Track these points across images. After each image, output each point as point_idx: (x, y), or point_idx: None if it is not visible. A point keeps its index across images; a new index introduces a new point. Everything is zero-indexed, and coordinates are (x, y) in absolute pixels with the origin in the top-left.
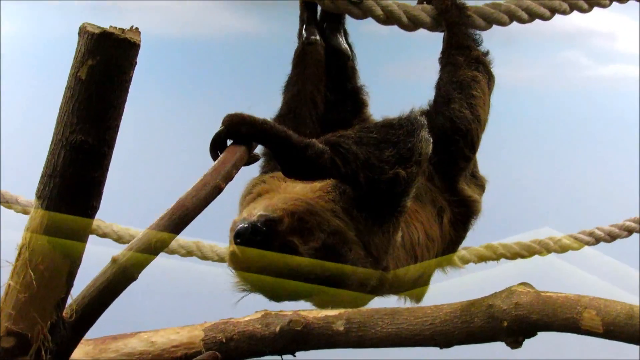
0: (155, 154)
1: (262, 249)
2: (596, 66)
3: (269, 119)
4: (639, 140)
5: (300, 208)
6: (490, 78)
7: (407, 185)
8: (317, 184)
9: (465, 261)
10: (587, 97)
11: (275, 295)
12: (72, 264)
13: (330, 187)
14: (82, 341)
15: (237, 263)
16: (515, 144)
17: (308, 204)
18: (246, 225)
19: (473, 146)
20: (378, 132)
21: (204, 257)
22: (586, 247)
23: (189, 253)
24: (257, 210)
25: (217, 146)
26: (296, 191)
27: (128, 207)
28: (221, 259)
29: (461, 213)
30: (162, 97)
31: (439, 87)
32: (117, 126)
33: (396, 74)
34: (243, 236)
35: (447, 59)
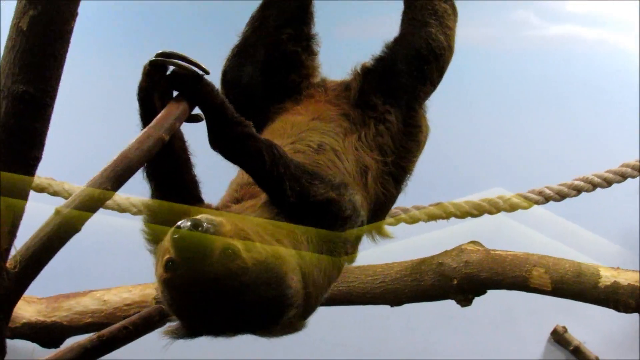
0: (105, 108)
1: (203, 248)
2: (547, 26)
3: (214, 85)
4: (592, 100)
5: (242, 223)
6: (455, 14)
7: (341, 210)
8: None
9: (415, 220)
10: (538, 57)
11: (213, 317)
12: (15, 214)
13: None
14: (34, 299)
15: (174, 271)
16: (469, 103)
17: (249, 223)
18: (188, 222)
19: (441, 73)
20: (311, 168)
21: None
22: (536, 206)
23: (140, 211)
24: (197, 216)
25: (155, 87)
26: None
27: (73, 160)
28: None
29: (394, 168)
30: (122, 54)
31: (413, 12)
32: (59, 77)
33: (350, 34)
34: (183, 230)
35: None
